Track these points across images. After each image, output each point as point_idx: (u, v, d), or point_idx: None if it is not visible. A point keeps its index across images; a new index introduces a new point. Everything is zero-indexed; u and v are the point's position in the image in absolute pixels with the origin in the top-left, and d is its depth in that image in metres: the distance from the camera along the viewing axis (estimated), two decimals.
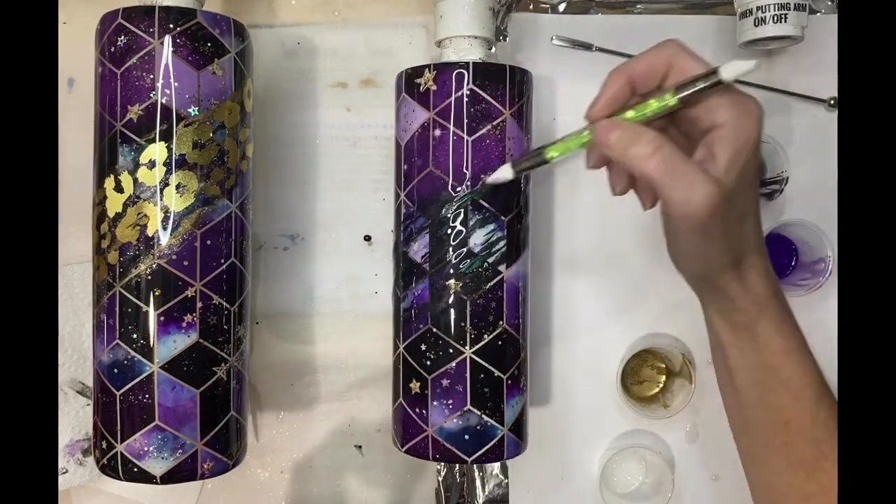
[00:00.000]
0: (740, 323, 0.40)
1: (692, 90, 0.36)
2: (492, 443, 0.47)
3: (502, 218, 0.46)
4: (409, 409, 0.47)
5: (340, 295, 0.56)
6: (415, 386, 0.47)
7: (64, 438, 0.52)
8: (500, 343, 0.47)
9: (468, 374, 0.46)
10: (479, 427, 0.46)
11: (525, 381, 0.49)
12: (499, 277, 0.47)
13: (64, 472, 0.52)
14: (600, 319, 0.56)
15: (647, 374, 0.57)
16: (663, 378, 0.57)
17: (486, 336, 0.46)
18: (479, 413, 0.46)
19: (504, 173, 0.41)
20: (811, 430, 0.40)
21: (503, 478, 0.56)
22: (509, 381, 0.47)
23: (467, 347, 0.46)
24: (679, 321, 0.56)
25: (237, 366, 0.46)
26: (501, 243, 0.46)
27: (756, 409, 0.41)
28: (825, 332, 0.53)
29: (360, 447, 0.55)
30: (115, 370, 0.44)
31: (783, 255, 0.57)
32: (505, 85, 0.46)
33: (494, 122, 0.46)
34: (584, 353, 0.56)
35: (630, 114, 0.37)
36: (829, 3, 0.57)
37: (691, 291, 0.43)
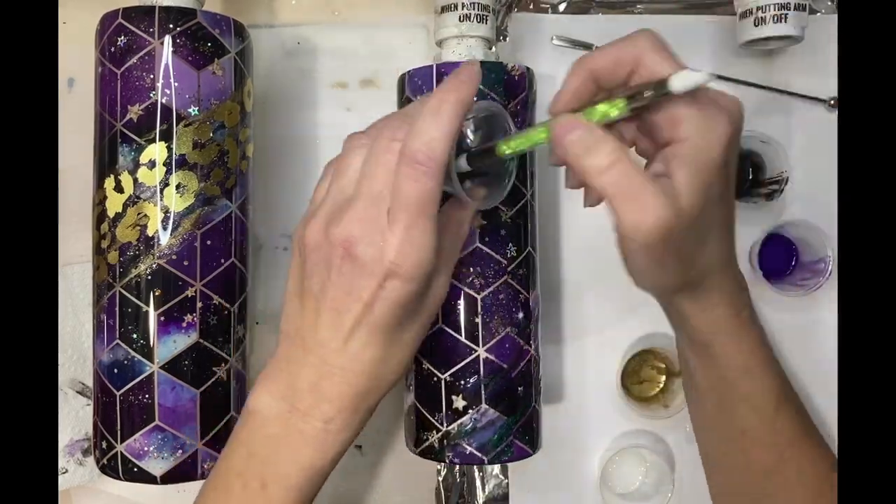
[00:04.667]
0: (697, 340, 0.38)
1: (641, 102, 0.32)
2: None
3: None
4: None
5: None
6: None
7: (64, 438, 0.52)
8: None
9: None
10: None
11: None
12: None
13: (64, 472, 0.52)
14: (601, 320, 0.56)
15: (647, 374, 0.57)
16: (663, 378, 0.57)
17: None
18: None
19: (460, 163, 0.39)
20: (769, 437, 0.39)
21: (503, 478, 0.56)
22: None
23: None
24: None
25: (237, 366, 0.46)
26: None
27: (714, 416, 0.41)
28: (825, 332, 0.53)
29: (360, 447, 0.55)
30: (115, 370, 0.43)
31: (783, 255, 0.57)
32: None
33: None
34: (584, 353, 0.56)
35: (585, 114, 0.33)
36: (829, 3, 0.57)
37: None
